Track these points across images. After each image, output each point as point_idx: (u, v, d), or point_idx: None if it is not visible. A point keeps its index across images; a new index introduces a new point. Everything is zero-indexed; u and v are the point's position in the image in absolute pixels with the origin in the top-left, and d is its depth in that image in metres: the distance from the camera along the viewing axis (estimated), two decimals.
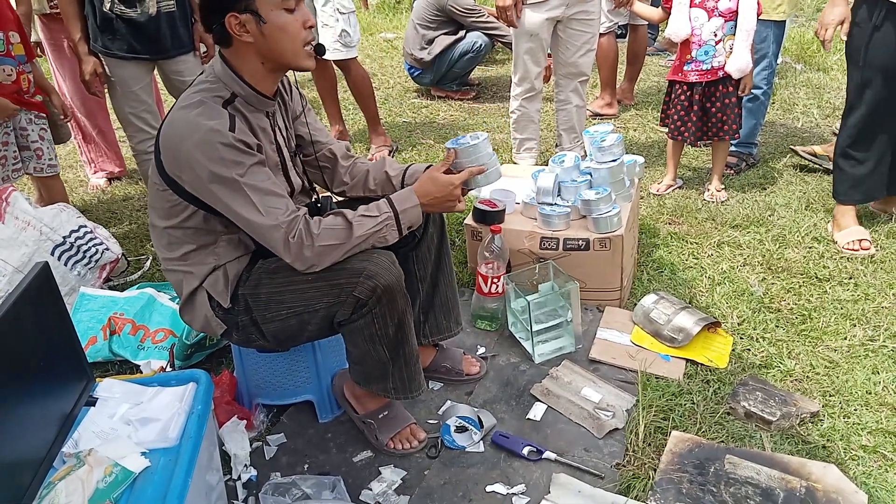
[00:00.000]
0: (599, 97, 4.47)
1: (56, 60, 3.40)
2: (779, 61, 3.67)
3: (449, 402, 2.03)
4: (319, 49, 1.68)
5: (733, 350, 2.20)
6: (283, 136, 1.79)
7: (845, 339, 2.24)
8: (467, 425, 1.89)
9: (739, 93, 3.07)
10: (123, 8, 2.63)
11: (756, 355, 2.18)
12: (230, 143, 1.53)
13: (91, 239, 2.53)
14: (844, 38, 2.51)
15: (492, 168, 1.80)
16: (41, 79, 2.84)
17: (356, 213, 1.64)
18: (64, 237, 2.48)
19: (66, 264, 2.47)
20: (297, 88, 1.89)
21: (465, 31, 4.72)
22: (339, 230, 1.61)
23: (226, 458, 1.82)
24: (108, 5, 2.62)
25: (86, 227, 2.56)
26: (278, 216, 1.57)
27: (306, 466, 1.85)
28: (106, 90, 2.87)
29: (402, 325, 1.71)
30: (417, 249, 1.98)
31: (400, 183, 1.93)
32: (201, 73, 1.67)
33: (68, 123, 3.22)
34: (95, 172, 3.77)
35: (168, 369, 2.10)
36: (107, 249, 2.58)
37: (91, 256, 2.52)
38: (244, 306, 1.70)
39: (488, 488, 1.74)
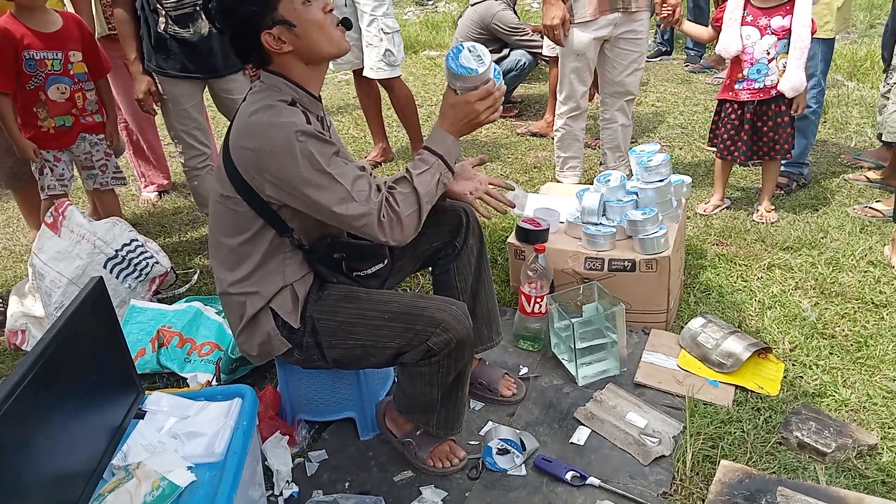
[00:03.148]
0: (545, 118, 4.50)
1: (113, 79, 3.49)
2: (828, 79, 3.58)
3: (490, 423, 2.01)
4: (346, 23, 1.69)
5: (785, 377, 2.13)
6: None
7: None
8: (509, 448, 1.86)
9: (792, 112, 3.00)
10: (177, 28, 2.70)
11: (809, 383, 2.11)
12: (314, 135, 1.54)
13: (142, 252, 2.59)
14: None
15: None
16: (106, 97, 2.92)
17: (412, 173, 1.65)
18: (116, 250, 2.54)
19: (117, 277, 2.53)
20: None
21: (508, 49, 4.73)
22: (411, 197, 1.62)
23: (268, 474, 1.83)
24: (162, 26, 2.70)
25: (137, 240, 2.63)
26: (370, 199, 1.57)
27: (347, 484, 1.85)
28: (158, 108, 2.95)
29: (461, 375, 1.72)
30: (458, 261, 1.99)
31: None
32: (251, 89, 1.70)
33: (122, 138, 3.32)
34: (146, 186, 3.87)
35: (214, 383, 2.12)
36: (157, 263, 2.64)
37: (142, 270, 2.58)
38: (311, 328, 1.70)
39: None
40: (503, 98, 1.70)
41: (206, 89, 2.97)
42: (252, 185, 1.59)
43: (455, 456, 1.86)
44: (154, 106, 2.91)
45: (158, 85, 2.84)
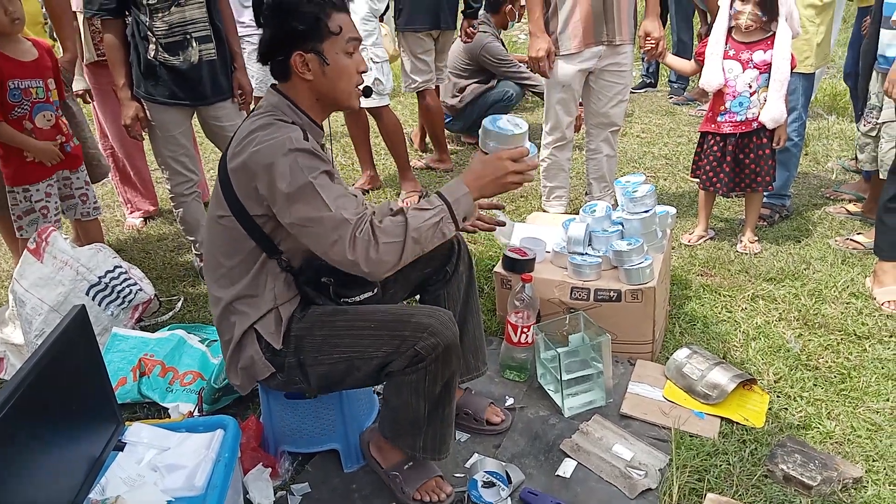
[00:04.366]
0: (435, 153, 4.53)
1: (101, 105, 3.51)
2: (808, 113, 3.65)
3: (476, 454, 1.99)
4: (367, 91, 1.75)
5: (770, 408, 2.13)
6: None
7: (888, 400, 2.16)
8: (495, 480, 1.84)
9: (774, 144, 3.05)
10: (167, 56, 2.71)
11: (794, 415, 2.12)
12: (307, 150, 1.56)
13: (125, 279, 2.57)
14: None
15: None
16: (67, 112, 2.93)
17: (410, 208, 1.62)
18: (99, 277, 2.52)
19: (100, 304, 2.50)
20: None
21: (496, 80, 4.79)
22: (398, 226, 1.56)
23: None
24: (152, 53, 2.70)
25: (121, 267, 2.60)
26: (349, 211, 1.54)
27: None
28: (146, 133, 2.95)
29: (448, 386, 1.70)
30: (448, 287, 2.00)
31: None
32: (256, 108, 1.72)
33: (104, 163, 3.29)
34: (132, 212, 3.85)
35: (196, 413, 2.09)
36: (140, 290, 2.61)
37: (125, 297, 2.56)
38: (294, 347, 1.70)
39: None
40: (534, 173, 1.70)
41: (195, 116, 2.97)
42: (245, 203, 1.61)
43: (442, 491, 1.83)
44: (142, 132, 2.91)
45: (146, 111, 2.84)
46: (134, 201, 3.84)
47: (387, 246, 1.54)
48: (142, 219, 3.84)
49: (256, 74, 4.53)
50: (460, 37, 4.26)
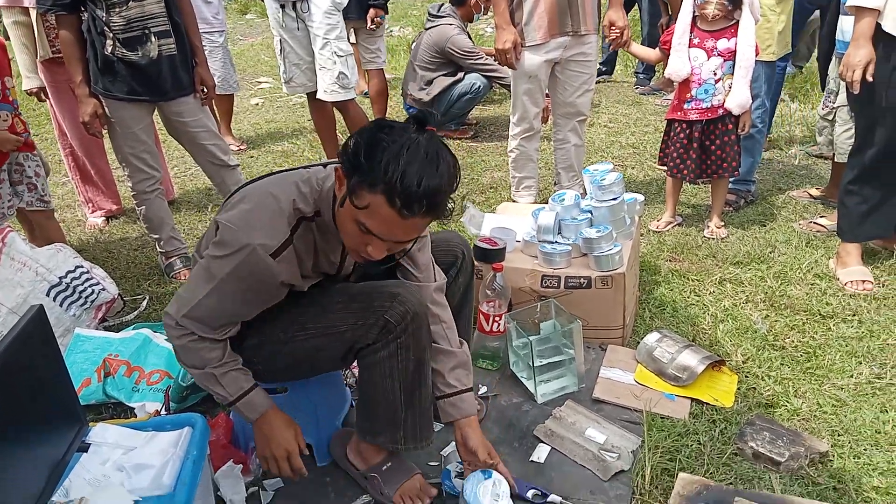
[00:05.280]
0: None
1: (57, 102, 3.42)
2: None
3: (453, 444, 1.98)
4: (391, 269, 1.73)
5: (739, 388, 2.16)
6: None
7: (851, 377, 2.21)
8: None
9: (739, 131, 3.09)
10: (125, 51, 2.65)
11: (762, 394, 2.15)
12: (252, 267, 1.50)
13: (87, 279, 2.51)
14: (871, 79, 2.49)
15: None
16: None
17: (239, 365, 1.65)
18: (60, 277, 2.45)
19: (61, 305, 2.44)
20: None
21: (463, 73, 4.78)
22: (214, 360, 1.61)
23: None
24: (109, 48, 2.64)
25: (82, 267, 2.54)
26: (206, 319, 1.57)
27: None
28: (105, 131, 2.88)
29: (420, 364, 1.68)
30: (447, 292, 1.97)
31: (440, 396, 1.81)
32: (320, 168, 1.62)
33: (43, 161, 3.19)
34: (93, 212, 3.76)
35: (163, 412, 2.05)
36: (103, 290, 2.55)
37: (87, 297, 2.50)
38: (255, 328, 1.67)
39: None
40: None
41: (158, 113, 2.91)
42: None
43: (426, 495, 1.79)
44: (101, 129, 2.84)
45: (105, 108, 2.77)
46: (95, 200, 3.75)
47: (193, 354, 1.60)
48: (103, 218, 3.76)
49: (218, 72, 4.49)
50: (366, 26, 4.23)
